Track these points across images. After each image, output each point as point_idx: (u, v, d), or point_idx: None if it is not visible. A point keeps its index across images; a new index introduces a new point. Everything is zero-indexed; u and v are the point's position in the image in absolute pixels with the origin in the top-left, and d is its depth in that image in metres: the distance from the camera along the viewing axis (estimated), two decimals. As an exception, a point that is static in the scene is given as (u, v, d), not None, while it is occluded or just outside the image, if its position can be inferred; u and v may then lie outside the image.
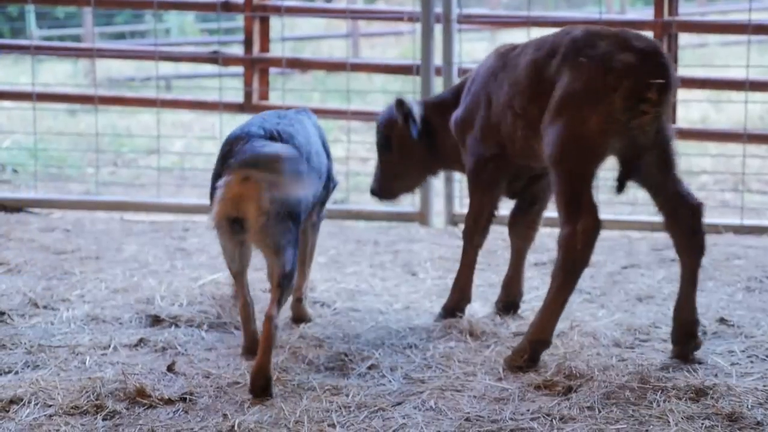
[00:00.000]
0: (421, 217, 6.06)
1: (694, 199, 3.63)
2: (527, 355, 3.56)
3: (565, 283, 3.55)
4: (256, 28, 6.32)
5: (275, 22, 6.65)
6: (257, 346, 3.42)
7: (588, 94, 3.50)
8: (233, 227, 3.45)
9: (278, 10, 6.30)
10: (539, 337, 3.58)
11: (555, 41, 3.69)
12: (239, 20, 11.99)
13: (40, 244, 5.38)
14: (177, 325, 4.01)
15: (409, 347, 3.79)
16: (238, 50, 7.94)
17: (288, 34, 7.19)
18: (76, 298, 4.39)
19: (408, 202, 5.96)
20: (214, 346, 3.82)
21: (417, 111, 4.22)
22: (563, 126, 3.53)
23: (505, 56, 3.93)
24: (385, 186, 4.41)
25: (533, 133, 3.68)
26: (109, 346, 3.80)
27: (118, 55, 7.46)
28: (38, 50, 7.31)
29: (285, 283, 3.42)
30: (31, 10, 12.89)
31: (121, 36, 15.12)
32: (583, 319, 4.07)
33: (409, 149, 4.30)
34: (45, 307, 4.25)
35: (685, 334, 3.63)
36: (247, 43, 6.35)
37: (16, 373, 3.55)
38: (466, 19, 6.26)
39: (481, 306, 4.31)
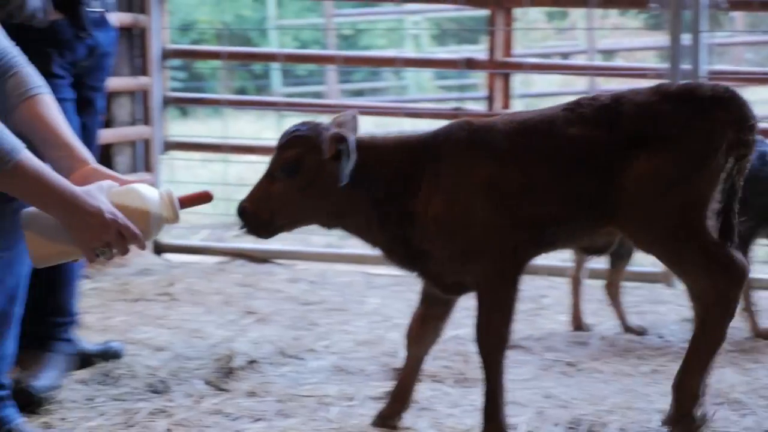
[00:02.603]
0: (666, 278, 5.90)
1: None
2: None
3: (720, 338, 3.32)
4: (498, 84, 6.35)
5: (514, 79, 6.67)
6: None
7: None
8: None
9: (520, 67, 6.31)
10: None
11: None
12: (476, 77, 12.11)
13: (287, 295, 5.54)
14: (421, 380, 4.02)
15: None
16: (475, 107, 7.99)
17: (526, 91, 7.20)
18: (323, 348, 4.48)
19: (651, 262, 5.81)
20: (458, 402, 3.81)
21: None
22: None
23: None
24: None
25: None
26: (355, 397, 3.85)
27: (363, 111, 7.62)
28: (283, 106, 7.58)
29: None
30: (276, 68, 13.43)
31: (359, 93, 15.51)
32: None
33: None
34: (293, 357, 4.35)
35: None
36: (490, 100, 6.38)
37: (268, 420, 3.64)
38: (716, 76, 6.09)
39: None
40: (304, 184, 3.25)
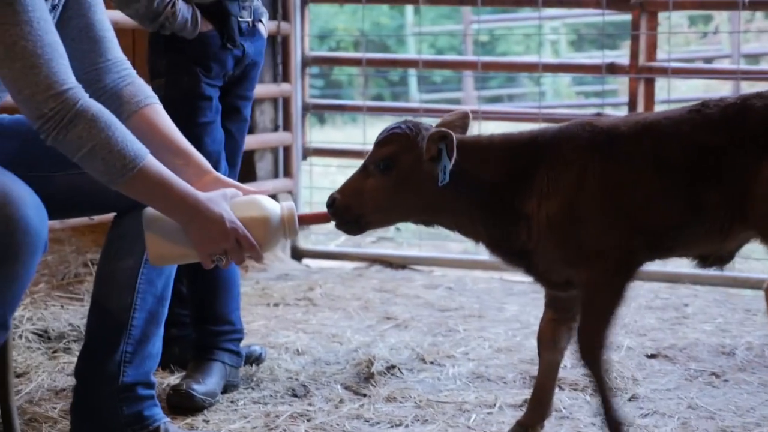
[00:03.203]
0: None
1: None
2: None
3: None
4: (641, 90, 6.23)
5: (659, 84, 6.54)
6: None
7: None
8: None
9: (665, 72, 6.19)
10: None
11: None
12: (615, 83, 11.94)
13: (425, 301, 5.54)
14: (561, 388, 3.97)
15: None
16: (616, 112, 7.87)
17: (667, 97, 7.05)
18: (461, 355, 4.47)
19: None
20: (598, 411, 3.74)
21: None
22: None
23: None
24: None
25: None
26: (495, 404, 3.82)
27: (501, 117, 7.61)
28: (422, 113, 7.59)
29: None
30: (413, 74, 13.47)
31: (497, 99, 15.46)
32: None
33: None
34: (432, 363, 4.35)
35: None
36: (632, 105, 6.27)
37: (407, 426, 3.64)
38: None
39: None
40: (397, 181, 3.19)
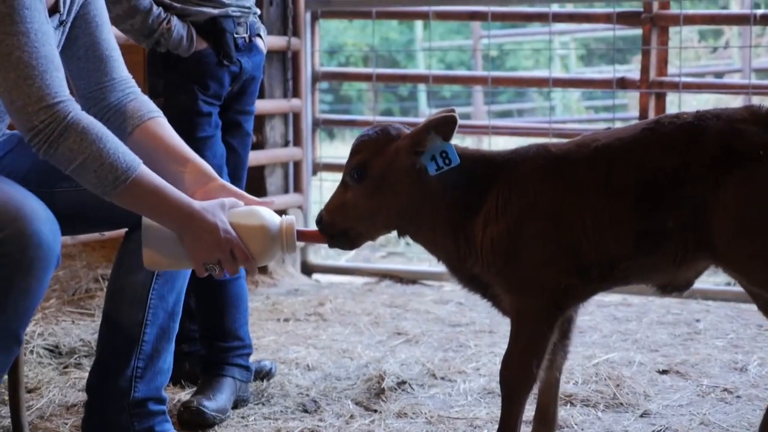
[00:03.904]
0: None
1: None
2: None
3: None
4: (652, 104, 6.22)
5: (670, 98, 6.52)
6: None
7: None
8: None
9: (676, 86, 6.18)
10: None
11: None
12: (625, 97, 11.93)
13: (436, 316, 5.53)
14: (572, 404, 3.96)
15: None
16: (627, 127, 7.86)
17: (677, 111, 7.03)
18: (472, 370, 4.45)
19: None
20: (610, 428, 3.74)
21: None
22: None
23: None
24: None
25: None
26: (506, 420, 3.81)
27: (511, 132, 7.61)
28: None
29: None
30: (422, 89, 13.47)
31: (506, 114, 15.46)
32: None
33: None
34: (442, 378, 4.34)
35: None
36: (641, 120, 6.25)
37: (418, 442, 3.64)
38: None
39: None
40: (372, 187, 3.14)
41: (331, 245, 3.23)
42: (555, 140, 6.97)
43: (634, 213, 3.05)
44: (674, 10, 6.26)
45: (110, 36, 3.24)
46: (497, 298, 3.25)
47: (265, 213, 3.05)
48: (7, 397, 3.47)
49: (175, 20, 3.88)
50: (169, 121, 3.30)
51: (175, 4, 3.90)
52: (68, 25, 3.12)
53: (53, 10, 3.02)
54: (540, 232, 3.09)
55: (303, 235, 3.16)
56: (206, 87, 3.97)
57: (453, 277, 3.31)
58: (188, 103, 3.91)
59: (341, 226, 3.17)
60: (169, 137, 3.18)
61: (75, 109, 2.84)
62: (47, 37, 2.86)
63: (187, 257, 2.96)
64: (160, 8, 3.87)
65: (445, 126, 3.08)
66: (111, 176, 2.84)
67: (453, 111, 3.19)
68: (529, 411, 3.83)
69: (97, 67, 3.18)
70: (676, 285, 3.22)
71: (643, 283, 3.28)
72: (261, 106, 5.99)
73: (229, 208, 3.00)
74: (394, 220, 3.22)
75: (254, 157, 5.67)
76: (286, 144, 6.68)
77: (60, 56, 2.95)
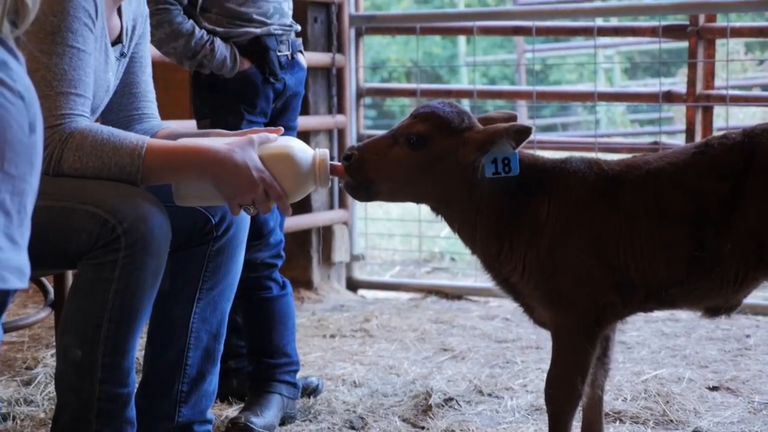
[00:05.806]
0: None
1: None
2: None
3: None
4: (698, 117, 6.17)
5: (716, 111, 6.47)
6: None
7: None
8: None
9: (723, 100, 6.12)
10: None
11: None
12: (671, 110, 11.84)
13: (482, 332, 5.50)
14: (621, 421, 3.93)
15: None
16: (673, 141, 7.81)
17: (724, 124, 6.97)
18: (519, 387, 4.42)
19: None
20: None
21: None
22: None
23: None
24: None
25: None
26: (572, 438, 3.79)
27: (556, 147, 7.57)
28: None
29: None
30: (465, 104, 13.44)
31: (551, 128, 15.40)
32: None
33: None
34: (489, 395, 4.31)
35: None
36: (689, 134, 6.21)
37: (466, 459, 3.62)
38: None
39: None
40: (426, 162, 3.03)
41: (347, 189, 3.12)
42: (601, 155, 6.94)
43: (688, 239, 3.02)
44: (721, 22, 6.21)
45: (149, 78, 3.32)
46: (530, 306, 3.23)
47: (296, 147, 2.97)
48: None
49: (217, 42, 3.92)
50: None
51: (218, 29, 3.94)
52: (127, 58, 3.16)
53: (116, 41, 3.07)
54: (581, 248, 3.06)
55: (336, 171, 3.03)
56: (253, 106, 4.00)
57: (486, 273, 3.27)
58: (235, 124, 3.93)
59: (369, 176, 3.05)
60: (185, 129, 3.26)
61: (68, 123, 2.83)
62: (83, 63, 2.88)
63: (218, 196, 2.92)
64: (203, 31, 3.90)
65: (520, 135, 3.00)
66: (127, 158, 2.82)
67: (514, 117, 3.16)
68: (577, 428, 3.81)
69: (130, 102, 3.27)
70: (728, 308, 3.18)
71: (692, 308, 3.25)
72: (306, 122, 6.01)
73: (260, 144, 2.94)
74: (431, 199, 3.15)
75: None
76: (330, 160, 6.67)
77: None
